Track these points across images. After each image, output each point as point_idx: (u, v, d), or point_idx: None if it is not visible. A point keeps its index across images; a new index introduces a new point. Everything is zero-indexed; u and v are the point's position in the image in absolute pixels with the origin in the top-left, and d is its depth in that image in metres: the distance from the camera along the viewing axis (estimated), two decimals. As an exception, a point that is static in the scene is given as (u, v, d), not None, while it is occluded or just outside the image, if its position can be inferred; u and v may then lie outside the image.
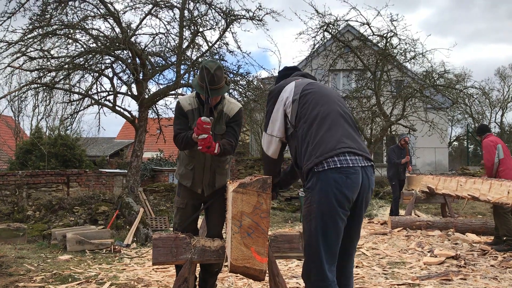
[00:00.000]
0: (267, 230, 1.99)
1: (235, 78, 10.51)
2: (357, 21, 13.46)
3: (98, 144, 26.23)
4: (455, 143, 33.43)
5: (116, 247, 7.54)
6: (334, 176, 2.44)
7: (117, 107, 10.30)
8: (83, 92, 10.11)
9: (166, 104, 11.31)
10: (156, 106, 10.88)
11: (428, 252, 6.47)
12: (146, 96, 9.84)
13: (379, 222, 9.82)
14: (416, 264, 5.86)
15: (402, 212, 11.24)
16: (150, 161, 17.56)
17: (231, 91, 10.29)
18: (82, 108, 10.18)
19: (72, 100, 10.09)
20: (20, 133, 19.65)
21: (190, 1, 10.34)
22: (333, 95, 2.83)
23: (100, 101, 10.02)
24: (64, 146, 15.33)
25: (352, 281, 2.81)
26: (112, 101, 10.18)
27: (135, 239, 8.25)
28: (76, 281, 5.28)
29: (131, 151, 11.15)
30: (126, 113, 10.47)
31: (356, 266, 5.76)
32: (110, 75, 10.52)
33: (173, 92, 10.12)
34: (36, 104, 10.21)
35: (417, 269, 5.65)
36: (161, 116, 11.13)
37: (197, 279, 3.64)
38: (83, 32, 9.67)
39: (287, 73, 3.18)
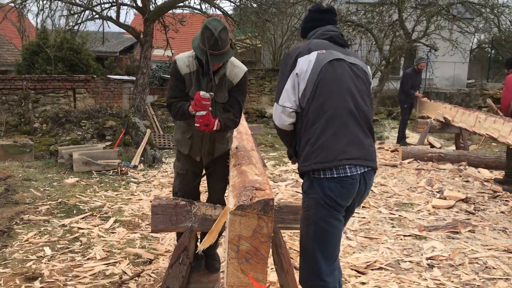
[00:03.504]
0: (267, 255, 1.79)
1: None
2: None
3: (106, 39, 25.37)
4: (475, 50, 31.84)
5: (123, 169, 7.52)
6: (329, 186, 2.32)
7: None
8: (84, 3, 9.42)
9: (173, 15, 10.51)
10: (163, 18, 10.19)
11: (437, 192, 6.35)
12: (152, 8, 9.18)
13: (389, 148, 9.62)
14: (424, 207, 5.76)
15: (410, 133, 11.08)
16: (158, 69, 17.05)
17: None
18: (84, 20, 9.57)
19: (73, 12, 9.45)
20: (26, 32, 18.99)
21: None
22: (351, 81, 2.45)
23: (102, 13, 9.36)
24: (71, 51, 14.85)
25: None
26: (116, 13, 9.47)
27: (142, 158, 8.22)
28: (81, 213, 5.29)
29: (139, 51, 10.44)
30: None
31: (363, 207, 5.68)
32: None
33: (181, 4, 9.42)
34: (40, 9, 9.65)
35: (425, 213, 5.56)
36: (168, 28, 10.49)
37: (198, 240, 3.54)
38: None
39: (319, 17, 2.71)
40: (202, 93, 2.73)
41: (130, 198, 6.03)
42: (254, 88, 15.51)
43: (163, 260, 4.05)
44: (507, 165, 6.86)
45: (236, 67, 3.05)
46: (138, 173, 7.52)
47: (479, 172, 7.54)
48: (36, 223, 4.89)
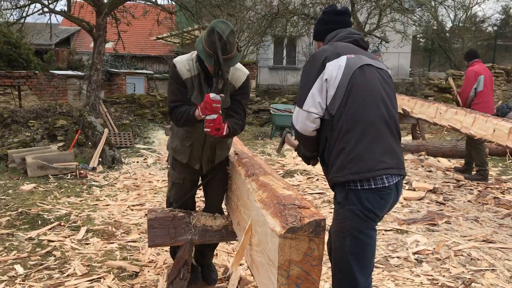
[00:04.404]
0: (319, 279, 1.67)
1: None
2: None
3: (41, 31, 23.90)
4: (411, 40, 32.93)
5: (82, 172, 7.12)
6: (367, 197, 2.23)
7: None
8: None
9: (124, 8, 9.97)
10: (115, 11, 9.68)
11: (405, 183, 6.47)
12: (105, 1, 8.68)
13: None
14: (397, 199, 5.84)
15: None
16: (105, 63, 16.26)
17: None
18: (31, 12, 8.90)
19: (19, 6, 8.75)
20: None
21: None
22: (382, 87, 2.36)
23: (50, 6, 8.73)
24: (8, 45, 13.82)
25: None
26: (66, 6, 8.90)
27: (100, 159, 7.82)
28: (47, 223, 4.92)
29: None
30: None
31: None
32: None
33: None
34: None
35: (398, 205, 5.64)
36: (119, 21, 9.98)
37: (193, 251, 3.36)
38: None
39: (336, 19, 2.59)
40: (212, 95, 2.56)
41: (97, 204, 5.70)
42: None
43: (149, 271, 3.83)
44: (467, 154, 7.12)
45: (238, 71, 2.89)
46: (98, 176, 7.15)
47: (438, 161, 7.79)
48: (-1, 238, 4.49)
